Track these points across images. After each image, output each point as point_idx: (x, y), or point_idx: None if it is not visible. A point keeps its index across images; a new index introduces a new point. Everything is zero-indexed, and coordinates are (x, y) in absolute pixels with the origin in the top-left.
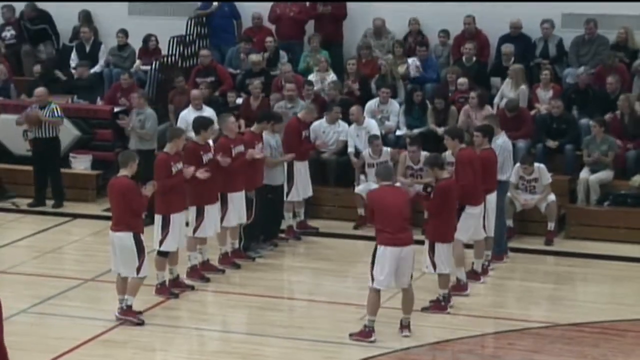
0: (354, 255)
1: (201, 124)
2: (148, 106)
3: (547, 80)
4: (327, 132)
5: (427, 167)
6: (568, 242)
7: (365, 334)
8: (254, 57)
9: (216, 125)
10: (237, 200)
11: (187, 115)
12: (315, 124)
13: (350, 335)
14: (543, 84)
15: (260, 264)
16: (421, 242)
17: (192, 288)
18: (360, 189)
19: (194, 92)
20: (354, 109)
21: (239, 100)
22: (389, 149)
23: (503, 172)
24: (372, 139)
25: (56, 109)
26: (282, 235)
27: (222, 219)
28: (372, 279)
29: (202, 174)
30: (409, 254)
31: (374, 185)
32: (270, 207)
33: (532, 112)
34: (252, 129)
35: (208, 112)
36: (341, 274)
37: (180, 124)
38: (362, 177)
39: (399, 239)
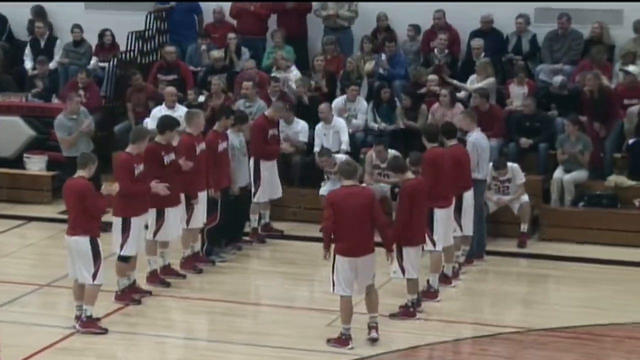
0: (321, 258)
1: (167, 124)
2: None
3: (522, 77)
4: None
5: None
6: (541, 244)
7: (342, 341)
8: (215, 53)
9: (182, 126)
10: (200, 201)
11: (160, 114)
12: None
13: (328, 340)
14: (517, 80)
15: (223, 268)
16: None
17: (150, 293)
18: (325, 189)
19: (168, 89)
20: (323, 107)
21: (201, 99)
22: (341, 158)
23: (479, 170)
24: (322, 153)
25: None
26: (246, 238)
27: (188, 220)
28: (333, 286)
29: (185, 164)
30: (368, 262)
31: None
32: (234, 209)
33: (506, 109)
34: (215, 127)
35: (181, 111)
36: (307, 278)
37: (152, 123)
38: (326, 178)
39: (357, 249)
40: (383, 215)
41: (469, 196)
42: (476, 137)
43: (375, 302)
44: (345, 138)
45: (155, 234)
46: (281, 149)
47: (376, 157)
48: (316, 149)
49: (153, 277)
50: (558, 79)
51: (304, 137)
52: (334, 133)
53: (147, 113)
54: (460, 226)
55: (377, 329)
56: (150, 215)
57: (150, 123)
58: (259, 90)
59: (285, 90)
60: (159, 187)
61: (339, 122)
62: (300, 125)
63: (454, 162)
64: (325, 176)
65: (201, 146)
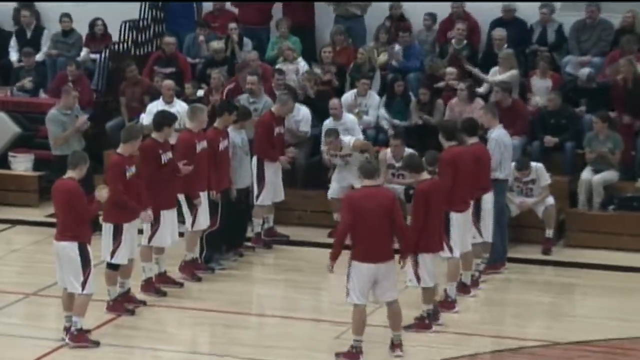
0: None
1: (164, 120)
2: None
3: (545, 68)
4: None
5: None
6: (568, 250)
7: (352, 355)
8: (215, 44)
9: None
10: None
11: (156, 109)
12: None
13: (337, 354)
14: (541, 72)
15: (224, 276)
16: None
17: (144, 303)
18: (333, 192)
19: (166, 83)
20: (335, 102)
21: (200, 93)
22: (351, 139)
23: (501, 170)
24: (329, 133)
25: None
26: (248, 243)
27: (193, 223)
28: (347, 294)
29: (185, 168)
30: (389, 269)
31: (348, 185)
32: (235, 212)
33: (534, 106)
34: (215, 124)
35: (180, 106)
36: (314, 286)
37: (148, 119)
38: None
39: (376, 254)
40: (403, 219)
41: (488, 199)
42: (499, 133)
43: (399, 320)
44: (359, 137)
45: (150, 239)
46: (280, 161)
47: (392, 153)
48: (323, 147)
49: (148, 285)
50: (585, 71)
51: (306, 127)
52: (344, 131)
53: (142, 108)
54: (480, 232)
55: (401, 347)
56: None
57: (146, 119)
58: (263, 84)
59: (290, 84)
60: (145, 215)
61: (349, 118)
62: (302, 113)
63: (474, 162)
64: (328, 158)
65: (202, 144)
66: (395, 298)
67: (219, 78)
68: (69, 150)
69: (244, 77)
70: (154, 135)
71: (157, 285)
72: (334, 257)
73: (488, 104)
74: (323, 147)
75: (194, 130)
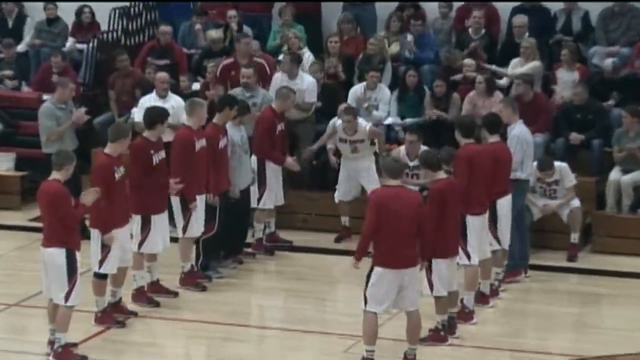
0: (336, 274)
1: (156, 117)
2: None
3: (570, 59)
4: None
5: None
6: (595, 257)
7: None
8: (213, 33)
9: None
10: (198, 207)
11: (149, 104)
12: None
13: None
14: (566, 63)
15: (222, 285)
16: None
17: (135, 315)
18: (340, 194)
19: (161, 75)
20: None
21: (195, 86)
22: (367, 125)
23: (523, 170)
24: (348, 111)
25: None
26: (248, 249)
27: (185, 228)
28: (366, 301)
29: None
30: (414, 276)
31: (356, 185)
32: (234, 216)
33: (553, 99)
34: (214, 120)
35: (174, 101)
36: (320, 296)
37: (139, 113)
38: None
39: (403, 259)
40: (429, 223)
41: (504, 204)
42: (520, 130)
43: (418, 331)
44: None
45: (140, 245)
46: (286, 165)
47: (407, 150)
48: (330, 146)
49: (139, 295)
50: (609, 61)
51: (311, 97)
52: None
53: (133, 103)
54: (498, 239)
55: None
56: (135, 223)
57: (137, 114)
58: (268, 76)
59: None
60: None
61: (361, 124)
62: (307, 81)
63: (492, 162)
64: (332, 147)
65: (201, 142)
66: (417, 307)
67: (215, 73)
68: (62, 147)
69: (241, 48)
70: (145, 133)
71: (150, 294)
72: (360, 257)
73: (508, 97)
74: (329, 146)
75: (192, 127)
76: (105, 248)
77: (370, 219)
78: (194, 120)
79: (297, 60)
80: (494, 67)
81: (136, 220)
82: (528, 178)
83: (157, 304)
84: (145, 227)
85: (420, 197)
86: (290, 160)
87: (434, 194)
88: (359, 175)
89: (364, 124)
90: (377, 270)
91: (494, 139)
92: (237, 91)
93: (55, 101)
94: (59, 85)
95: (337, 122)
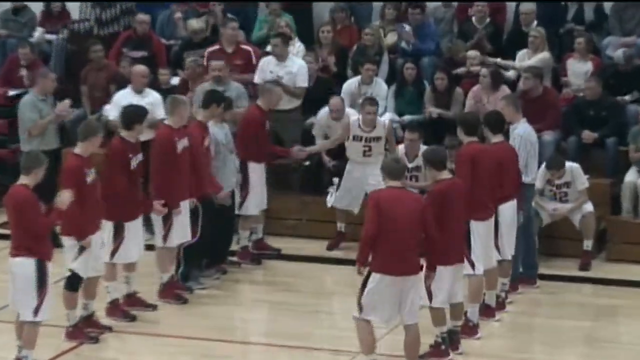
0: (328, 285)
1: (135, 116)
2: None
3: (585, 49)
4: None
5: (424, 165)
6: (610, 265)
7: None
8: (194, 23)
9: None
10: (181, 213)
11: (124, 99)
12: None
13: None
14: (579, 53)
15: (204, 297)
16: None
17: (109, 329)
18: (332, 199)
19: (138, 69)
20: (336, 102)
21: (175, 81)
22: (385, 120)
23: (527, 173)
24: (365, 102)
25: None
26: (233, 258)
27: (165, 237)
28: (361, 309)
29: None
30: (415, 284)
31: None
32: (217, 221)
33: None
34: (199, 118)
35: (152, 97)
36: (311, 309)
37: (114, 110)
38: (334, 182)
39: (404, 265)
40: (434, 229)
41: (508, 210)
42: (525, 129)
43: (417, 347)
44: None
45: (113, 254)
46: (290, 155)
47: (406, 149)
48: (318, 140)
49: (114, 308)
50: (620, 51)
51: (303, 82)
52: (344, 130)
53: (107, 99)
54: (498, 249)
55: None
56: (107, 230)
57: (111, 111)
58: (253, 65)
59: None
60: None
61: (351, 114)
62: (297, 64)
63: (496, 164)
64: (334, 181)
65: (183, 142)
66: (416, 321)
67: (194, 68)
68: (44, 145)
69: (227, 34)
70: (123, 134)
71: (125, 308)
72: (363, 262)
73: (509, 94)
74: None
75: (173, 127)
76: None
77: (370, 220)
78: (175, 119)
79: (288, 41)
80: (498, 60)
81: (107, 228)
82: (532, 182)
83: (134, 318)
84: (118, 235)
85: (422, 199)
86: (296, 149)
87: (434, 195)
88: (366, 181)
89: (382, 118)
90: (376, 276)
91: (497, 139)
92: (205, 85)
93: (37, 93)
94: (40, 76)
95: (351, 117)
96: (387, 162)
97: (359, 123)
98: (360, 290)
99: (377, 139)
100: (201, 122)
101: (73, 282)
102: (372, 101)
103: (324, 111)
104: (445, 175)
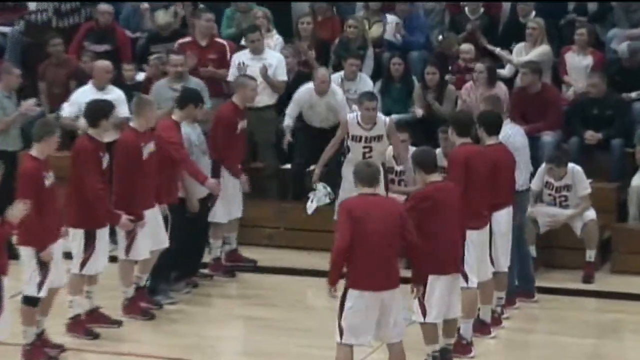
0: (307, 298)
1: (101, 111)
2: None
3: (586, 41)
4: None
5: (413, 167)
6: (614, 277)
7: None
8: (162, 15)
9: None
10: (151, 221)
11: (85, 97)
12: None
13: None
14: (579, 45)
15: (173, 313)
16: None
17: (61, 348)
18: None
19: (101, 64)
20: (324, 73)
21: (140, 77)
22: (386, 118)
23: (517, 178)
24: (363, 97)
25: None
26: (205, 270)
27: (127, 249)
28: (341, 334)
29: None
30: (395, 299)
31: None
32: (188, 231)
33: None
34: (174, 117)
35: (115, 94)
36: (289, 326)
37: (72, 108)
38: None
39: (382, 280)
40: (415, 235)
41: (503, 218)
42: (511, 131)
43: None
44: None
45: (83, 265)
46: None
47: (394, 150)
48: (288, 121)
49: (76, 325)
50: (624, 45)
51: (282, 75)
52: (328, 110)
53: (68, 96)
54: (491, 260)
55: None
56: (76, 238)
57: (68, 108)
58: (227, 61)
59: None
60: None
61: (337, 92)
62: (275, 57)
63: (491, 168)
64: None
65: (148, 147)
66: (400, 339)
67: (157, 65)
68: (5, 145)
69: (202, 26)
70: (90, 132)
71: (88, 325)
72: (334, 281)
73: (491, 95)
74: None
75: (139, 130)
76: (44, 268)
77: (341, 233)
78: (140, 122)
79: (266, 33)
80: (498, 50)
81: (77, 236)
82: (522, 189)
83: (97, 336)
84: (90, 244)
85: (402, 206)
86: (214, 182)
87: (417, 198)
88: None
89: (382, 116)
90: (353, 293)
91: (491, 141)
92: (162, 82)
93: (2, 89)
94: (4, 71)
95: (349, 115)
96: (359, 167)
97: (358, 120)
98: (339, 311)
99: (378, 137)
100: (177, 122)
101: (34, 297)
102: (372, 95)
103: (306, 88)
104: (436, 177)
